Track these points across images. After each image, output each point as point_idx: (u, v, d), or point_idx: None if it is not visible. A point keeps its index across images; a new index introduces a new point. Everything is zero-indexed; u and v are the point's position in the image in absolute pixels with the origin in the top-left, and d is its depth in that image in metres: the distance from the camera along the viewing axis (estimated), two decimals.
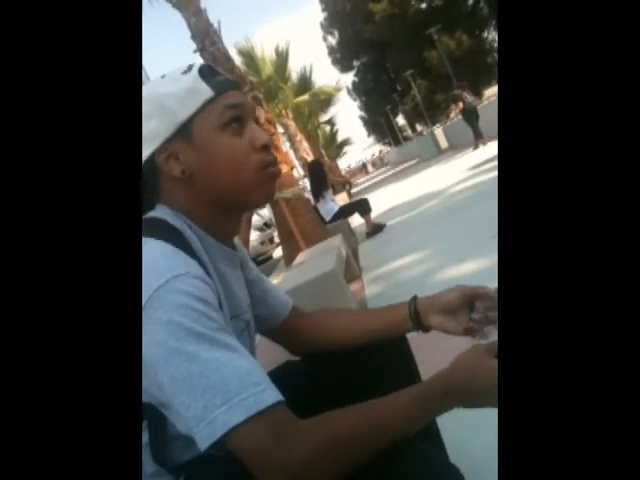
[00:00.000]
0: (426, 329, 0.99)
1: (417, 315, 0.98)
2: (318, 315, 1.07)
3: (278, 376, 0.88)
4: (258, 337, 0.99)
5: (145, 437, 0.76)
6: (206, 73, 0.81)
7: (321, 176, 6.58)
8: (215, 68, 0.85)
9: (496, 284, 0.90)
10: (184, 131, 0.79)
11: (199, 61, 0.84)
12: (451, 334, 0.95)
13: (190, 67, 0.83)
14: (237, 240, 0.99)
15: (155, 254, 0.71)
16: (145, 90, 0.81)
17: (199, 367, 0.63)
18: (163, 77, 0.83)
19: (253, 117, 0.85)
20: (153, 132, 0.79)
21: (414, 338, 1.03)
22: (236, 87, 0.84)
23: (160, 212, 0.82)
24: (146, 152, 0.80)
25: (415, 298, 1.01)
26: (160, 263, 0.69)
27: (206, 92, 0.79)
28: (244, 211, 0.91)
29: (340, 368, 0.99)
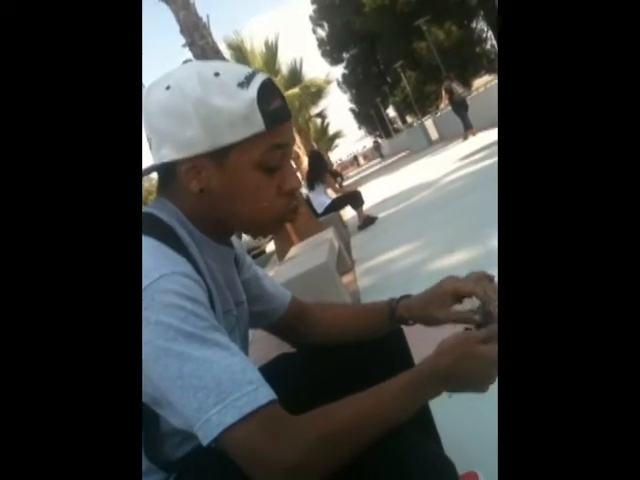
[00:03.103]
0: (412, 323, 1.01)
1: (399, 316, 1.00)
2: (316, 310, 1.08)
3: (272, 369, 0.89)
4: (252, 331, 1.00)
5: None
6: (264, 97, 0.73)
7: (318, 166, 6.60)
8: (274, 86, 0.77)
9: (485, 271, 0.92)
10: (218, 153, 0.74)
11: (259, 75, 0.76)
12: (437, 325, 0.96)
13: (249, 79, 0.74)
14: (234, 237, 0.99)
15: (143, 252, 0.69)
16: (192, 85, 0.73)
17: (190, 367, 0.63)
18: (217, 75, 0.74)
19: (291, 154, 0.81)
20: (187, 141, 0.73)
21: (409, 328, 1.04)
22: (288, 117, 0.78)
23: (151, 207, 0.80)
24: (171, 156, 0.75)
25: (397, 302, 1.01)
26: (147, 262, 0.68)
27: (258, 125, 0.73)
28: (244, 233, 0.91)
29: (335, 359, 1.00)
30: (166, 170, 0.78)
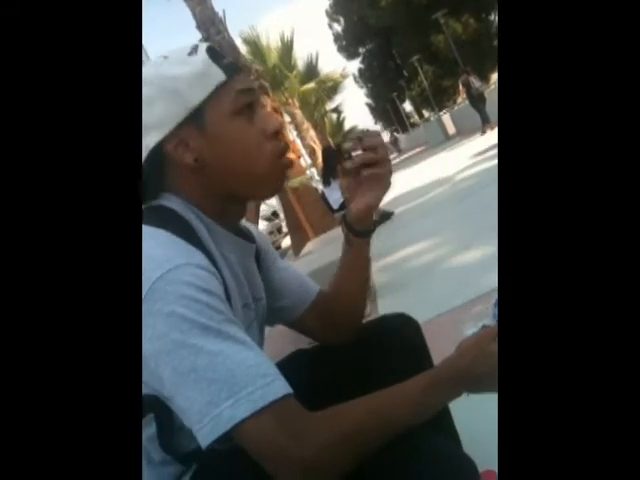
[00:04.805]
0: (364, 226, 0.94)
1: (350, 226, 0.93)
2: (328, 295, 1.03)
3: (288, 365, 0.89)
4: (268, 328, 1.00)
5: (152, 429, 0.75)
6: (214, 55, 0.77)
7: (332, 161, 6.59)
8: (219, 50, 0.81)
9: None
10: (195, 117, 0.76)
11: (203, 43, 0.81)
12: (374, 203, 0.90)
13: (195, 48, 0.78)
14: (256, 230, 0.99)
15: (156, 244, 0.69)
16: (146, 71, 0.76)
17: (205, 360, 0.62)
18: (166, 58, 0.78)
19: (260, 102, 0.83)
20: (160, 118, 0.75)
21: (427, 326, 1.02)
22: (242, 71, 0.81)
23: (166, 200, 0.80)
24: (153, 139, 0.76)
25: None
26: (160, 253, 0.67)
27: (218, 76, 0.76)
28: (251, 200, 0.91)
29: (352, 356, 0.99)
30: (156, 161, 0.78)
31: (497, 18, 31.46)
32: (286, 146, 0.83)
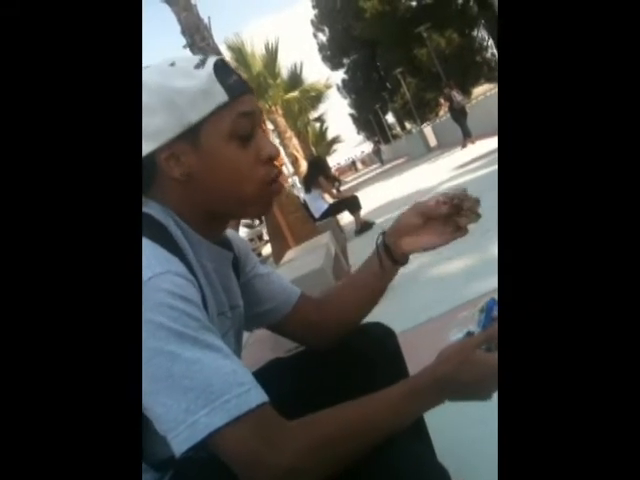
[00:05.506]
0: (404, 258, 0.99)
1: (389, 252, 0.97)
2: (324, 301, 1.05)
3: (266, 374, 0.88)
4: (246, 335, 0.99)
5: None
6: (221, 72, 0.76)
7: (315, 169, 6.63)
8: (229, 65, 0.80)
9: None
10: (190, 133, 0.75)
11: (213, 57, 0.79)
12: (430, 249, 0.95)
13: (203, 61, 0.77)
14: (235, 235, 0.98)
15: None
16: (151, 78, 0.75)
17: (181, 367, 0.62)
18: (172, 65, 0.77)
19: (261, 124, 0.81)
20: (158, 129, 0.75)
21: (410, 333, 1.02)
22: (249, 90, 0.80)
23: (146, 206, 0.79)
24: (147, 148, 0.75)
25: (383, 235, 0.99)
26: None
27: (220, 96, 0.75)
28: (236, 218, 0.90)
29: (330, 365, 0.99)
30: (146, 169, 0.77)
31: (479, 34, 32.03)
32: (278, 173, 0.82)
